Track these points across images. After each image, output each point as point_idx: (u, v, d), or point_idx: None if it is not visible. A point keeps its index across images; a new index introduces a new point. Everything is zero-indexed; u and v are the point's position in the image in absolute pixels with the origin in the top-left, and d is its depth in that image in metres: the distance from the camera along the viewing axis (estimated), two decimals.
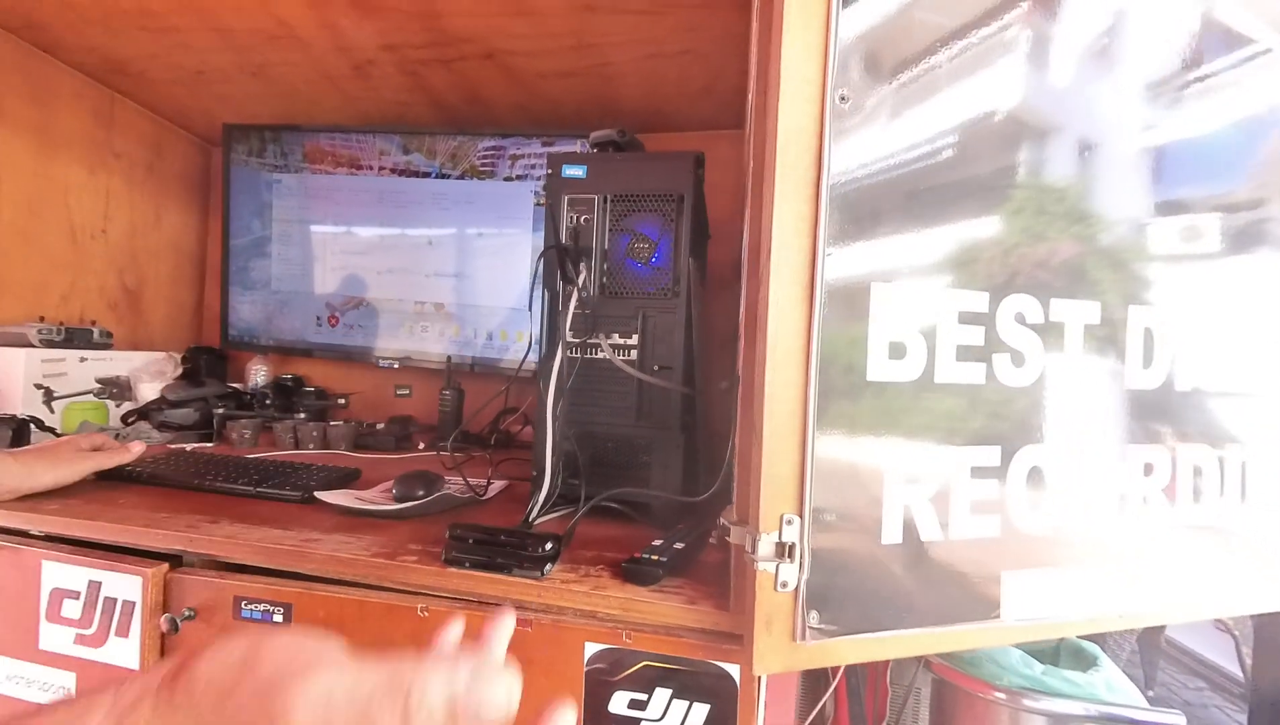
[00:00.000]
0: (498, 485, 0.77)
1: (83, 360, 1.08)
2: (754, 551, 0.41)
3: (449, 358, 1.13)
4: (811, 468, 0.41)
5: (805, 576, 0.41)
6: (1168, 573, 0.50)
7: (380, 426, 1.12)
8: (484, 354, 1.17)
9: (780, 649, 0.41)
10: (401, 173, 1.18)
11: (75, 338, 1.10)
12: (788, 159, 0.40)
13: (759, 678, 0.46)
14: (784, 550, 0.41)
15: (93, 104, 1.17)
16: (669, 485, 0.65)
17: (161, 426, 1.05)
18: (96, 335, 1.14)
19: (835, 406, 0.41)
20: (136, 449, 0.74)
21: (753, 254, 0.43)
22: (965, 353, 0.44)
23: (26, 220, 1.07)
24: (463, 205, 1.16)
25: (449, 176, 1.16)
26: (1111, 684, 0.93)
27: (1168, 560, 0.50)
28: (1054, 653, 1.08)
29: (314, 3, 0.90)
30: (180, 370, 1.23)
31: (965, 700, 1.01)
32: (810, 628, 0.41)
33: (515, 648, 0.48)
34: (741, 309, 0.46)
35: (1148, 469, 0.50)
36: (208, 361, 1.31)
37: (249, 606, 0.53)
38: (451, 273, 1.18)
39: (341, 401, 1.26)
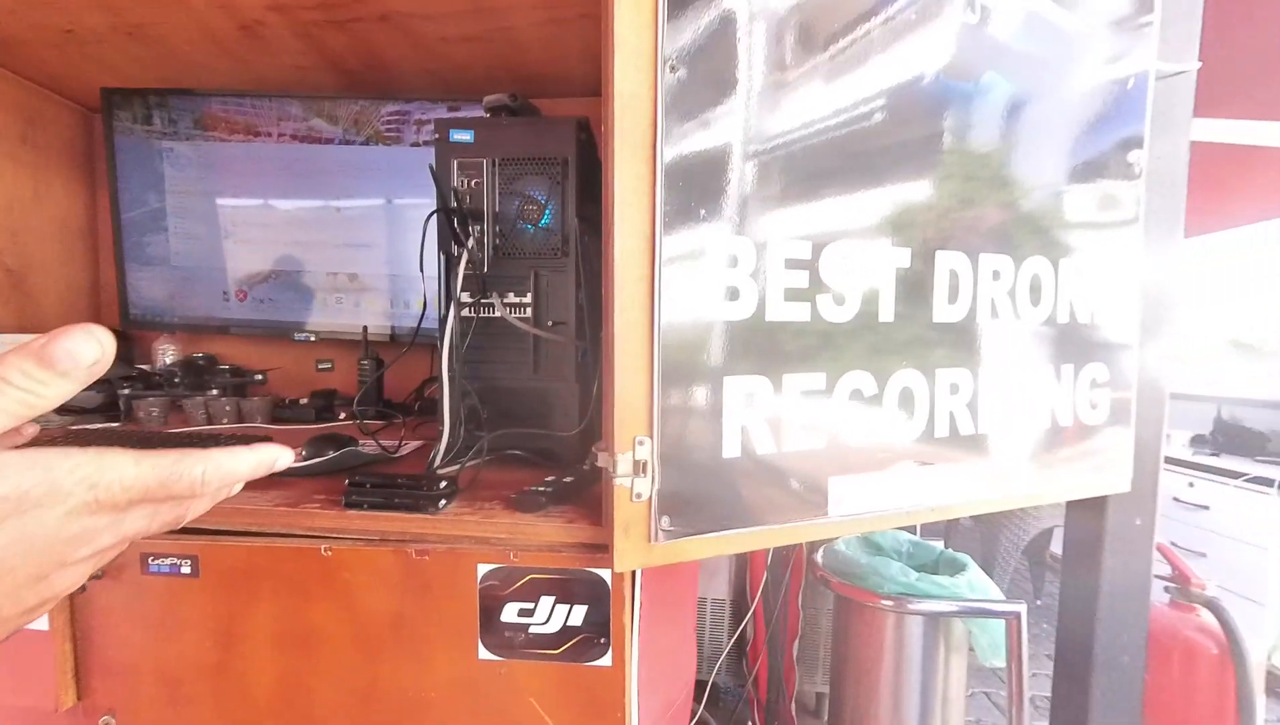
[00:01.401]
0: (413, 445, 0.81)
1: None
2: (614, 470, 0.47)
3: (365, 328, 1.14)
4: (658, 396, 0.47)
5: (657, 488, 0.48)
6: (969, 474, 0.61)
7: (304, 401, 1.12)
8: (403, 323, 1.19)
9: (638, 550, 0.48)
10: (303, 140, 1.15)
11: None
12: (624, 125, 0.45)
13: (632, 578, 0.53)
14: (639, 467, 0.47)
15: None
16: (568, 430, 0.70)
17: (62, 410, 1.02)
18: None
19: (677, 343, 0.48)
20: (29, 432, 0.73)
21: (607, 212, 0.49)
22: (792, 294, 0.52)
23: None
24: (369, 172, 1.15)
25: (353, 143, 1.14)
26: (973, 584, 1.08)
27: (970, 464, 0.61)
28: (935, 563, 1.23)
29: None
30: None
31: (857, 610, 1.15)
32: (662, 530, 0.48)
33: (415, 574, 0.53)
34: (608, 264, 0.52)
35: (953, 388, 0.60)
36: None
37: (155, 561, 0.55)
38: (364, 243, 1.17)
39: (259, 377, 1.24)
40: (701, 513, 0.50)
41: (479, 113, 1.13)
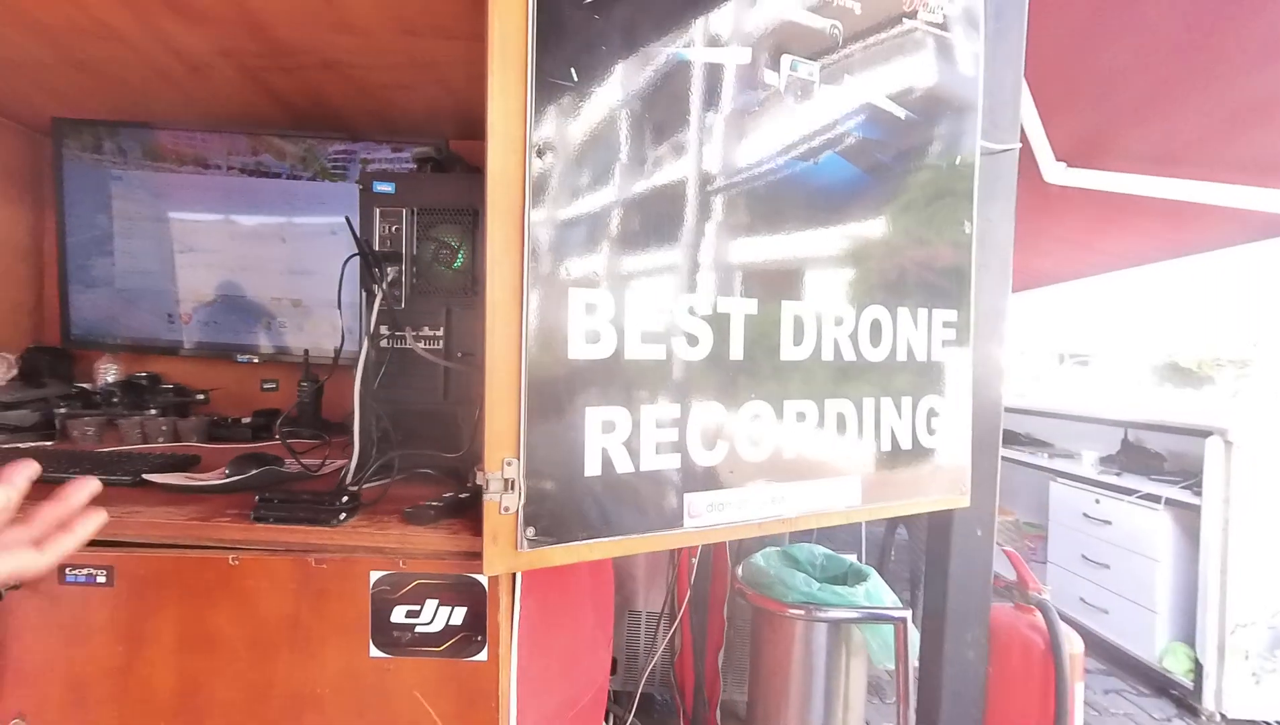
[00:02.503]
0: (336, 463, 0.87)
1: None
2: (487, 487, 0.55)
3: (306, 352, 1.19)
4: (524, 423, 0.55)
5: (523, 502, 0.56)
6: (816, 491, 0.70)
7: (246, 420, 1.16)
8: (347, 346, 1.24)
9: (505, 556, 0.55)
10: (251, 173, 1.21)
11: None
12: (496, 197, 0.54)
13: (511, 583, 0.61)
14: (507, 485, 0.55)
15: None
16: (474, 451, 0.78)
17: None
18: None
19: (543, 378, 0.56)
20: None
21: (483, 268, 0.57)
22: (649, 337, 0.61)
23: None
24: (315, 205, 1.21)
25: (300, 178, 1.21)
26: (870, 593, 1.18)
27: (817, 482, 0.70)
28: (844, 574, 1.33)
29: (130, 6, 0.92)
30: (15, 371, 1.20)
31: (768, 619, 1.24)
32: (527, 539, 0.56)
33: (313, 580, 0.60)
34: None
35: (800, 416, 0.70)
36: (49, 361, 1.28)
37: (73, 572, 0.60)
38: (308, 270, 1.23)
39: (201, 397, 1.28)
40: (565, 524, 0.58)
41: (424, 150, 1.23)
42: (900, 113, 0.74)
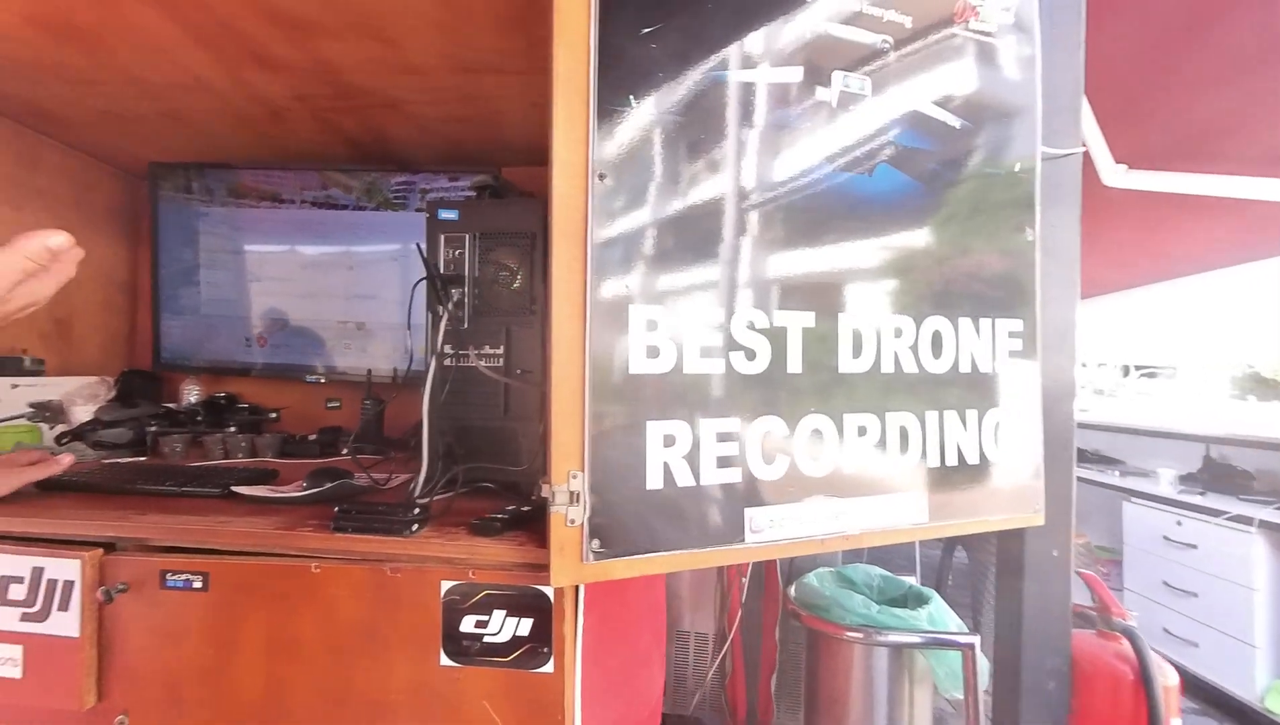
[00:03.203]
0: (402, 477, 0.91)
1: (14, 387, 1.15)
2: (553, 500, 0.56)
3: (369, 371, 1.25)
4: (588, 437, 0.57)
5: (587, 515, 0.57)
6: (879, 506, 0.69)
7: (313, 437, 1.23)
8: (405, 366, 1.30)
9: (571, 568, 0.56)
10: (321, 205, 1.30)
11: (5, 366, 1.17)
12: (561, 218, 0.56)
13: (575, 595, 0.62)
14: (573, 497, 0.57)
15: (16, 147, 1.25)
16: (534, 466, 0.80)
17: (96, 445, 1.14)
18: (28, 363, 1.21)
19: (606, 392, 0.57)
20: (66, 460, 0.84)
21: (548, 287, 0.59)
22: (708, 351, 0.62)
23: None
24: (378, 233, 1.29)
25: (365, 208, 1.29)
26: (934, 617, 1.13)
27: (880, 498, 0.69)
28: (903, 597, 1.28)
29: (222, 60, 1.02)
30: (113, 393, 1.31)
31: (825, 642, 1.20)
32: (592, 552, 0.57)
33: (388, 589, 0.63)
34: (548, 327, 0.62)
35: (861, 430, 0.68)
36: (141, 383, 1.39)
37: (172, 577, 0.65)
38: (370, 294, 1.30)
39: (273, 415, 1.36)
40: (628, 537, 0.58)
41: (479, 179, 1.29)
42: (954, 121, 0.74)
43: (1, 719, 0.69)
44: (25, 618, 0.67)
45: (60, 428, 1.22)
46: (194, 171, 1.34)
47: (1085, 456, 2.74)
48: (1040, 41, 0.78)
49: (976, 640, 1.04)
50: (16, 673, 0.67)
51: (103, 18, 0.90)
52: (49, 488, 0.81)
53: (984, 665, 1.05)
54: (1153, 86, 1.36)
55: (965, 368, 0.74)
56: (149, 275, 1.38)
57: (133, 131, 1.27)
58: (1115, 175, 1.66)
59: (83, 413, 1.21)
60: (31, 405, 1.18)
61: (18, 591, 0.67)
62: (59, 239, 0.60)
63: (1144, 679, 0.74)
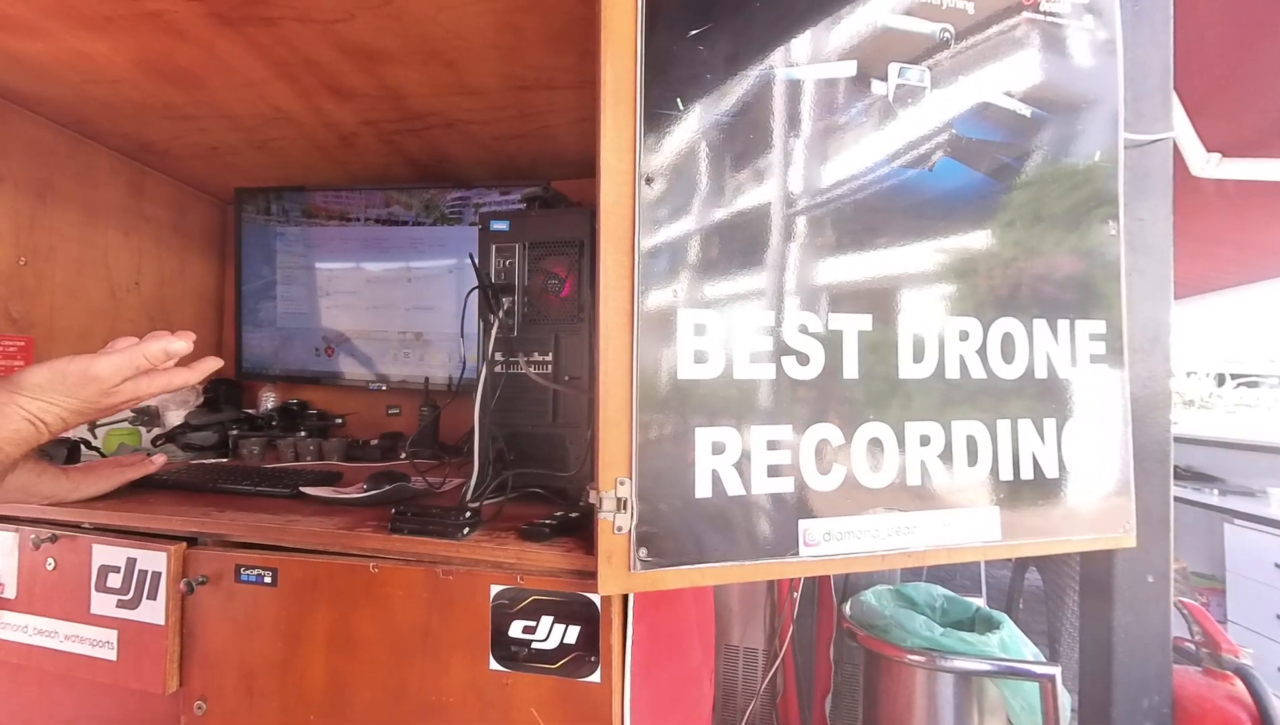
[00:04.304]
0: (456, 482, 0.94)
1: None
2: (600, 506, 0.56)
3: (426, 379, 1.30)
4: (636, 443, 0.56)
5: (635, 523, 0.56)
6: (945, 522, 0.64)
7: (374, 442, 1.29)
8: (461, 376, 1.34)
9: (619, 576, 0.56)
10: (384, 222, 1.38)
11: None
12: (609, 225, 0.57)
13: (624, 605, 0.61)
14: (620, 504, 0.56)
15: (126, 178, 1.39)
16: (582, 472, 0.80)
17: (186, 447, 1.24)
18: None
19: (654, 398, 0.57)
20: (159, 461, 0.92)
21: (597, 293, 0.60)
22: (758, 356, 0.60)
23: (75, 279, 1.28)
24: (435, 247, 1.35)
25: (424, 224, 1.35)
26: (1005, 643, 1.05)
27: (946, 513, 0.64)
28: (970, 620, 1.19)
29: (301, 92, 1.10)
30: (201, 399, 1.43)
31: (885, 665, 1.13)
32: (640, 560, 0.56)
33: (441, 591, 0.64)
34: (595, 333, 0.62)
35: (924, 440, 0.64)
36: (226, 391, 1.50)
37: (246, 572, 0.69)
38: (429, 306, 1.36)
39: (339, 421, 1.44)
40: (677, 546, 0.57)
41: (529, 191, 1.33)
42: (1025, 110, 0.69)
43: (97, 697, 0.75)
44: (120, 604, 0.73)
45: (156, 431, 1.33)
46: (273, 195, 1.45)
47: (1178, 473, 2.48)
48: (1121, 23, 0.72)
49: (1057, 671, 0.95)
50: (112, 655, 0.72)
51: (199, 58, 0.99)
52: (144, 486, 0.88)
53: (1065, 700, 0.96)
54: (1246, 70, 1.23)
55: (1041, 373, 0.69)
56: (234, 291, 1.50)
57: (223, 160, 1.39)
58: (1208, 165, 1.51)
59: (175, 417, 1.33)
60: (133, 410, 1.30)
61: (114, 580, 0.73)
62: (180, 344, 0.62)
63: (1264, 723, 0.65)
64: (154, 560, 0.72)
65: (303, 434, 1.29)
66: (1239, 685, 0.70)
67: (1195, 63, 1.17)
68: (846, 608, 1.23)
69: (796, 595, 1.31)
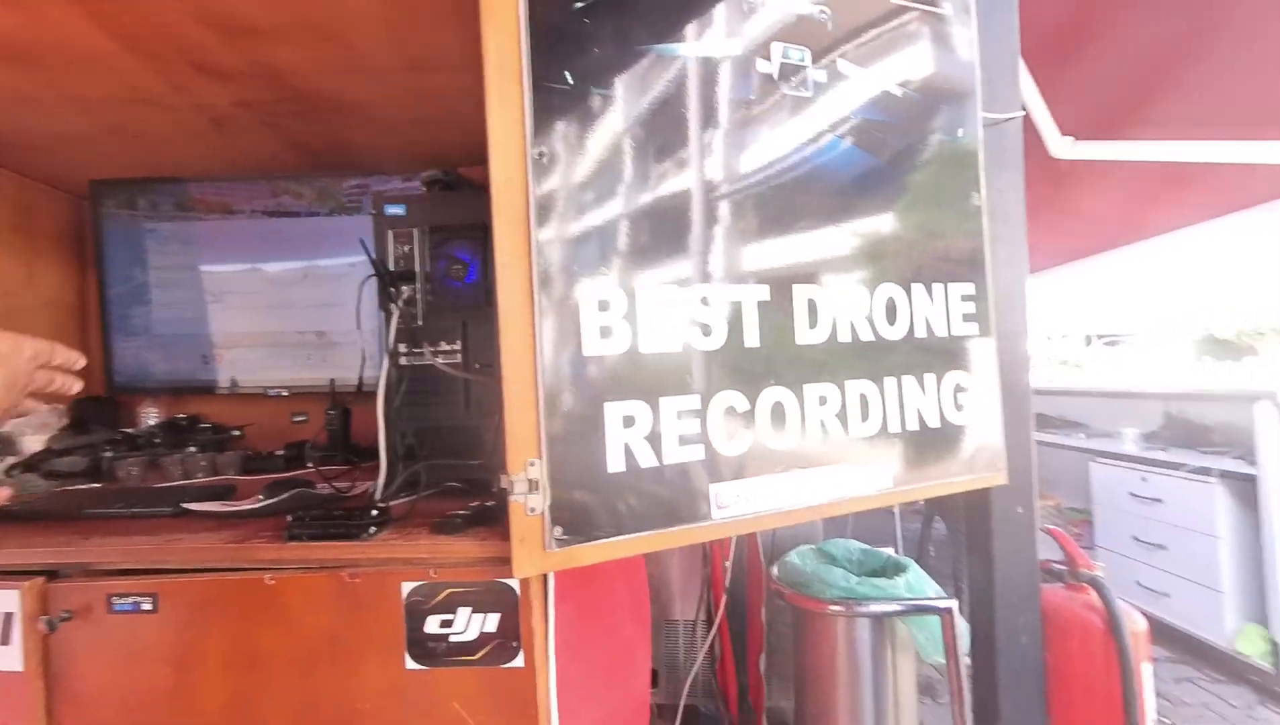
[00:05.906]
0: (365, 484, 0.89)
1: None
2: (512, 490, 0.55)
3: (332, 381, 1.22)
4: (544, 424, 0.56)
5: (548, 503, 0.56)
6: (844, 475, 0.69)
7: (279, 453, 1.20)
8: (370, 374, 1.27)
9: (534, 557, 0.55)
10: (273, 214, 1.27)
11: None
12: (501, 201, 0.55)
13: (543, 586, 0.61)
14: (532, 485, 0.55)
15: None
16: (494, 461, 0.78)
17: (49, 475, 1.09)
18: None
19: (560, 377, 0.57)
20: (3, 494, 0.80)
21: (495, 274, 0.58)
22: (663, 329, 0.61)
23: None
24: (334, 239, 1.26)
25: (319, 214, 1.26)
26: (911, 585, 1.14)
27: (845, 467, 0.69)
28: (883, 568, 1.29)
29: (160, 69, 0.98)
30: (66, 421, 1.26)
31: (809, 618, 1.21)
32: (555, 539, 0.56)
33: (348, 595, 0.61)
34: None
35: (822, 400, 0.69)
36: (95, 410, 1.33)
37: (120, 601, 0.62)
38: (331, 302, 1.27)
39: (237, 433, 1.32)
40: (593, 521, 0.58)
41: (430, 172, 1.27)
42: (898, 91, 0.74)
43: None
44: None
45: (10, 459, 1.16)
46: (138, 187, 1.29)
47: (1050, 422, 2.81)
48: (976, 6, 0.79)
49: (954, 604, 1.05)
50: None
51: (27, 29, 0.86)
52: None
53: (964, 629, 1.06)
54: (1089, 55, 1.40)
55: (921, 333, 0.75)
56: (96, 297, 1.33)
57: (73, 150, 1.22)
58: (1063, 147, 1.71)
59: (34, 443, 1.16)
60: None
61: None
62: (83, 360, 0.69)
63: (1113, 627, 0.75)
64: (3, 600, 0.63)
65: (192, 450, 1.18)
66: (1094, 595, 0.81)
67: (1046, 44, 1.31)
68: (774, 570, 1.30)
69: (728, 564, 1.36)
